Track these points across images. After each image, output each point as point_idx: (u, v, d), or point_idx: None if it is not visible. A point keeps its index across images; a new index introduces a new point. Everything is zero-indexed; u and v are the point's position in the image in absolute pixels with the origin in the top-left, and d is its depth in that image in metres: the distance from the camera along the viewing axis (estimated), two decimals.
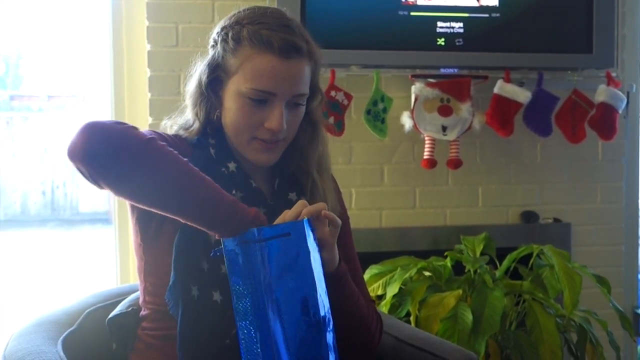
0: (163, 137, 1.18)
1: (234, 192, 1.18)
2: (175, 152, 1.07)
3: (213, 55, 1.21)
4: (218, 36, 1.21)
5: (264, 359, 1.00)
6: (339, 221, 1.14)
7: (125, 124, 1.07)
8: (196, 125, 1.23)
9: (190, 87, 1.24)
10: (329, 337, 1.04)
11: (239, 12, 1.21)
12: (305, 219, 1.07)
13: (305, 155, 1.26)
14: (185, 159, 1.07)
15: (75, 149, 1.02)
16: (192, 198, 1.04)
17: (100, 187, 1.05)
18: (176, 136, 1.24)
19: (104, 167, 1.02)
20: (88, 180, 1.05)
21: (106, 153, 1.01)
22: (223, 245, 1.03)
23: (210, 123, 1.23)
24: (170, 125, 1.28)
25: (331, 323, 1.06)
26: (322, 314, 1.03)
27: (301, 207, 1.10)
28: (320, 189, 1.26)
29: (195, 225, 1.07)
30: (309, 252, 1.03)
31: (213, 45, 1.22)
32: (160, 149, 1.05)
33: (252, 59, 1.15)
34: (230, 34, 1.18)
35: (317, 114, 1.27)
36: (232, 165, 1.22)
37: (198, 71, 1.23)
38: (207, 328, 1.13)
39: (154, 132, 1.16)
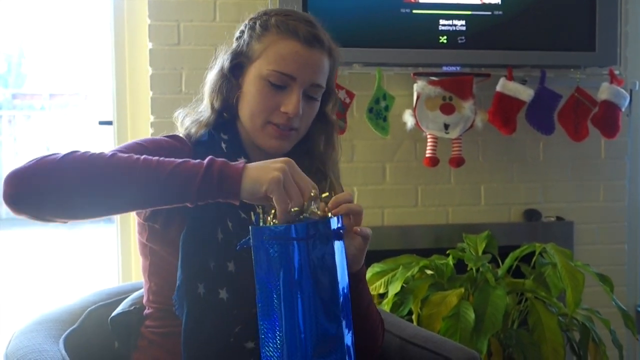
0: (131, 148, 1.14)
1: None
2: (102, 152, 1.03)
3: (238, 44, 1.24)
4: (245, 27, 1.25)
5: (284, 354, 0.99)
6: (369, 231, 1.15)
7: (43, 156, 1.03)
8: (210, 116, 1.24)
9: (211, 75, 1.27)
10: (349, 339, 1.03)
11: (267, 8, 1.29)
12: (337, 216, 1.05)
13: (321, 158, 1.29)
14: (112, 153, 1.03)
15: (7, 203, 1.01)
16: (131, 183, 1.00)
17: (53, 221, 1.04)
18: (173, 137, 1.24)
19: (36, 202, 1.00)
20: (38, 221, 1.04)
21: (31, 190, 0.99)
22: (251, 239, 1.01)
23: (227, 109, 1.24)
24: (183, 117, 1.28)
25: (352, 325, 1.05)
26: (343, 314, 1.02)
27: (348, 197, 1.09)
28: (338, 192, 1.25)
29: (162, 205, 1.04)
30: (335, 252, 1.02)
31: (239, 37, 1.26)
32: (77, 157, 1.01)
33: (277, 43, 1.20)
34: (258, 22, 1.23)
35: (332, 117, 1.30)
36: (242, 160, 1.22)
37: (220, 60, 1.26)
38: (212, 326, 1.13)
39: (122, 146, 1.13)
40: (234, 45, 1.25)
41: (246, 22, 1.26)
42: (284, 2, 2.17)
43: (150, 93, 2.30)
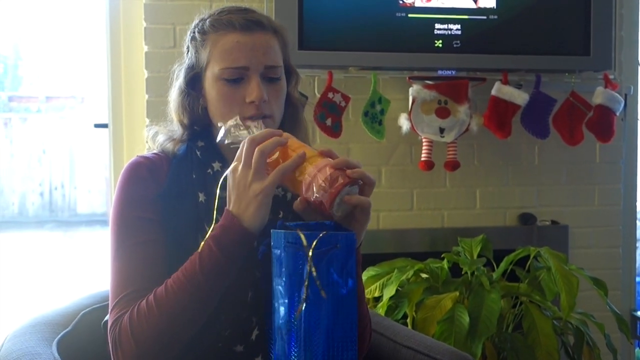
0: (130, 223, 1.24)
1: (218, 191, 1.19)
2: (154, 298, 1.11)
3: (188, 58, 1.25)
4: (189, 40, 1.26)
5: None
6: (372, 179, 1.15)
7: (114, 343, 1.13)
8: (182, 133, 1.25)
9: (173, 95, 1.27)
10: (355, 351, 1.02)
11: (203, 14, 1.27)
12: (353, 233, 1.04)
13: None
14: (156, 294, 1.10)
15: None
16: (195, 303, 1.08)
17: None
18: (137, 162, 1.23)
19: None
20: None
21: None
22: (272, 245, 1.03)
23: (197, 122, 1.25)
24: (154, 134, 1.29)
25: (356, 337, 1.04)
26: (352, 328, 1.02)
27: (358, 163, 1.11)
28: None
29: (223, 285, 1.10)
30: (354, 265, 1.02)
31: (186, 52, 1.26)
32: (150, 316, 1.09)
33: (218, 41, 1.20)
34: (196, 31, 1.24)
35: (295, 97, 1.29)
36: (216, 165, 1.23)
37: (177, 78, 1.26)
38: (198, 329, 1.13)
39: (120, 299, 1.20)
40: (186, 60, 1.26)
41: (188, 34, 1.26)
42: (280, 6, 2.18)
43: (146, 96, 2.30)
